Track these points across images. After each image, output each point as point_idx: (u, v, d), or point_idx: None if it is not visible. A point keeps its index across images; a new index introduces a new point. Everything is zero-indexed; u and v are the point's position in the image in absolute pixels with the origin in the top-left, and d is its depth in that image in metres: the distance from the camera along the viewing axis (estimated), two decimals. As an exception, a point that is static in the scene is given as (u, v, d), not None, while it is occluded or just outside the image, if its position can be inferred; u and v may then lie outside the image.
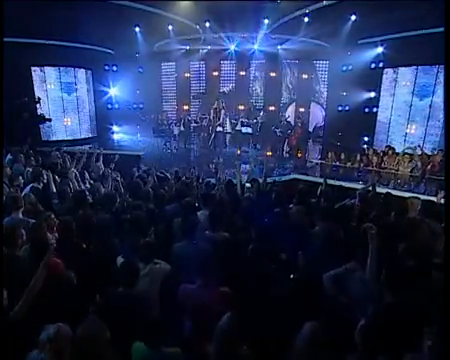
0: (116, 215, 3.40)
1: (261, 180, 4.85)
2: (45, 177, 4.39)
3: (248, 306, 2.19)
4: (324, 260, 2.66)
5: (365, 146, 11.42)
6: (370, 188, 4.61)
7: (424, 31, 9.39)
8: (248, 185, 4.64)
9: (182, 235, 3.02)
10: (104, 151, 7.06)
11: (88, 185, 4.73)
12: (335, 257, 2.66)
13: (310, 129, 12.33)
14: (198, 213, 3.67)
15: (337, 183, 5.84)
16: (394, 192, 5.62)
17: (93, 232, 3.03)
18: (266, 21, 12.04)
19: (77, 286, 2.36)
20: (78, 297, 2.22)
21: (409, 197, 4.18)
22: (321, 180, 7.15)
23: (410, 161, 8.41)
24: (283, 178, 7.29)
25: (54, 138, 11.67)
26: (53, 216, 3.27)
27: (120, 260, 2.72)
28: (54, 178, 4.36)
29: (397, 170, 8.54)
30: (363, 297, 2.17)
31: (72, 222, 3.13)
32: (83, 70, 12.36)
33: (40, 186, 4.41)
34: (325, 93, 13.49)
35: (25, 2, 8.76)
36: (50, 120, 10.23)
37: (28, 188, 4.30)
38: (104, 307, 2.17)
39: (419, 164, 8.01)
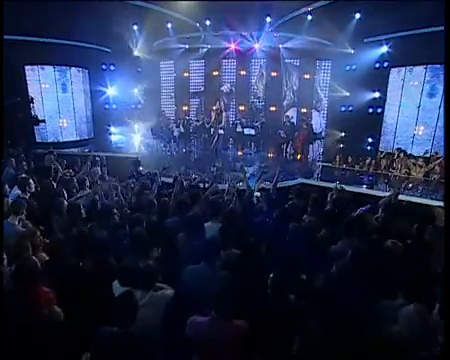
0: (114, 231, 3.00)
1: (271, 188, 4.48)
2: (32, 186, 4.01)
3: (270, 347, 1.83)
4: (353, 286, 2.30)
5: (369, 148, 11.18)
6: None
7: (432, 29, 9.09)
8: (257, 194, 4.26)
9: (196, 256, 2.60)
10: (98, 153, 6.73)
11: (83, 193, 4.32)
12: (365, 282, 2.31)
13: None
14: (204, 225, 3.32)
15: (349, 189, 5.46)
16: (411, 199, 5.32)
17: (88, 253, 2.65)
18: (268, 19, 11.75)
19: (66, 323, 1.97)
20: (67, 337, 1.85)
21: (437, 206, 3.82)
22: (330, 185, 6.87)
23: (421, 166, 8.07)
24: (289, 183, 6.93)
25: (50, 140, 11.26)
26: (38, 233, 2.90)
27: (117, 286, 2.35)
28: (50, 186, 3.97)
29: (409, 174, 8.19)
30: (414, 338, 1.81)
31: (63, 241, 2.76)
32: (79, 69, 11.97)
33: (27, 196, 4.02)
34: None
35: (18, -2, 8.38)
36: (44, 121, 9.84)
37: (13, 196, 3.91)
38: (96, 351, 1.80)
39: (437, 169, 7.66)
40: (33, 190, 4.34)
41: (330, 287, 2.31)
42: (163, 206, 3.60)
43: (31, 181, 4.40)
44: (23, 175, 5.04)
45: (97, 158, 6.18)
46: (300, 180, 7.16)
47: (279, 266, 2.32)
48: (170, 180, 5.29)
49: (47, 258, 2.76)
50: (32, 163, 6.24)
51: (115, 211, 3.36)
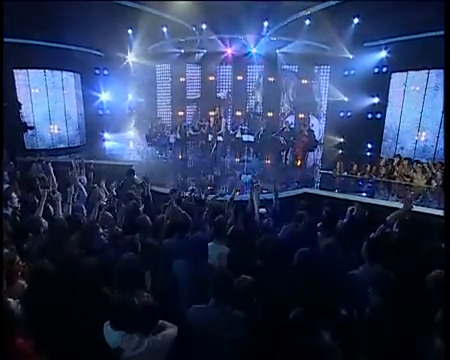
0: (101, 255, 2.57)
1: (274, 201, 4.13)
2: (15, 201, 3.59)
3: None
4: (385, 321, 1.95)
5: (369, 154, 10.96)
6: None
7: (433, 33, 8.92)
8: (263, 210, 3.90)
9: (201, 292, 2.18)
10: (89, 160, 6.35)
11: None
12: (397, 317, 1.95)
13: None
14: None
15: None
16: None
17: (75, 284, 2.24)
18: (265, 23, 11.56)
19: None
20: None
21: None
22: (334, 194, 6.56)
23: (425, 171, 7.80)
24: (293, 193, 6.60)
25: (40, 146, 10.76)
26: (18, 259, 2.48)
27: (109, 330, 1.96)
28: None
29: (411, 181, 7.91)
30: None
31: (47, 269, 2.36)
32: (71, 73, 11.58)
33: (9, 211, 3.60)
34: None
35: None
36: (32, 128, 9.38)
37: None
38: None
39: (439, 175, 7.39)
40: (16, 205, 3.92)
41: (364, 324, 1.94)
42: (159, 225, 3.17)
43: (14, 195, 3.99)
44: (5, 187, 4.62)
45: (87, 165, 5.78)
46: (304, 190, 6.81)
47: (301, 299, 1.96)
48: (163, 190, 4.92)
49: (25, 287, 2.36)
50: (18, 173, 5.78)
51: (101, 230, 2.94)
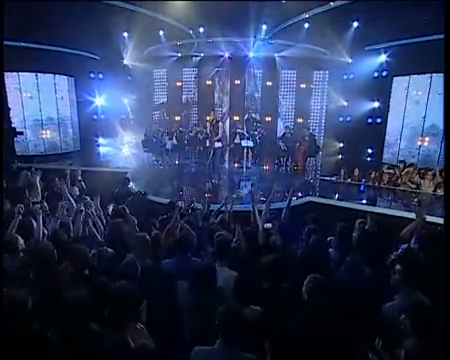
0: (87, 282, 2.23)
1: (283, 213, 3.83)
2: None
3: None
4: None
5: (369, 159, 10.72)
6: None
7: (435, 36, 8.76)
8: (269, 225, 3.59)
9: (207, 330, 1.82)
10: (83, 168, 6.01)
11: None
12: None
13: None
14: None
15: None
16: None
17: (59, 315, 1.92)
18: (264, 27, 11.37)
19: None
20: None
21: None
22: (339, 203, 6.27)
23: (434, 178, 7.53)
24: (297, 202, 6.28)
25: (32, 152, 10.50)
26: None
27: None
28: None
29: (417, 188, 7.64)
30: None
31: (27, 298, 2.02)
32: (65, 77, 11.27)
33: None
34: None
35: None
36: (22, 133, 9.04)
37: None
38: None
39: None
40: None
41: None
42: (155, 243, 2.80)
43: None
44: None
45: (77, 173, 5.45)
46: (308, 198, 6.51)
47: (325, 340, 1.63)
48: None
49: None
50: (5, 182, 5.40)
51: (89, 251, 2.58)
